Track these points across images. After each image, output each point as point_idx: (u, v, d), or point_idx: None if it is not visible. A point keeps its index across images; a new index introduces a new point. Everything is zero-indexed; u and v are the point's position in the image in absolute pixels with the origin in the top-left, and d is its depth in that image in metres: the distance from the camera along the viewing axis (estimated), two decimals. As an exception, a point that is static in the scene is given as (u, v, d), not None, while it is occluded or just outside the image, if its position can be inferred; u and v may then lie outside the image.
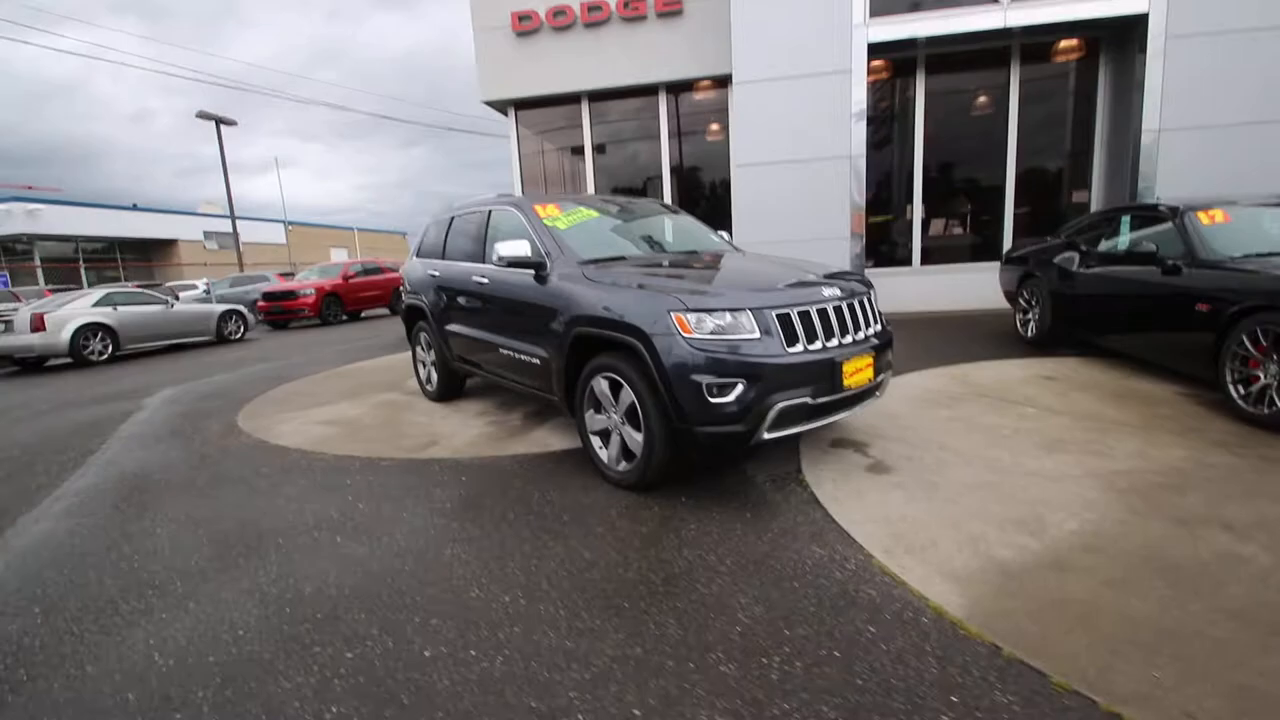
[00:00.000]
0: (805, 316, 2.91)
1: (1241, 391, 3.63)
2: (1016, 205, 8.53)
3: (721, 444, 2.85)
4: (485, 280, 4.18)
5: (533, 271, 3.70)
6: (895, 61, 8.36)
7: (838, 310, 3.05)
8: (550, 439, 4.07)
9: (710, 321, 2.79)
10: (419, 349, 5.42)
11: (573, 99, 9.39)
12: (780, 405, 2.79)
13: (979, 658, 1.79)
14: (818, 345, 2.91)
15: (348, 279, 15.25)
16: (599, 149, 9.57)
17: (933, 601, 2.07)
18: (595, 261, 3.59)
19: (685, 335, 2.78)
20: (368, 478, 3.57)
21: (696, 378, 2.75)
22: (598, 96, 9.31)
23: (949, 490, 2.92)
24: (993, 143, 8.48)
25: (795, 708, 1.63)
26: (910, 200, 8.73)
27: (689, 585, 2.25)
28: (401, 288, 5.74)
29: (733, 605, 2.11)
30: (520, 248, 3.65)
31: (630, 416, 3.08)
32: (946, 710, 1.60)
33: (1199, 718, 1.52)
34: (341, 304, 14.94)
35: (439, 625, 2.10)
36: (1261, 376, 3.52)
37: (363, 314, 16.06)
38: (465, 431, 4.36)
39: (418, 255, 5.49)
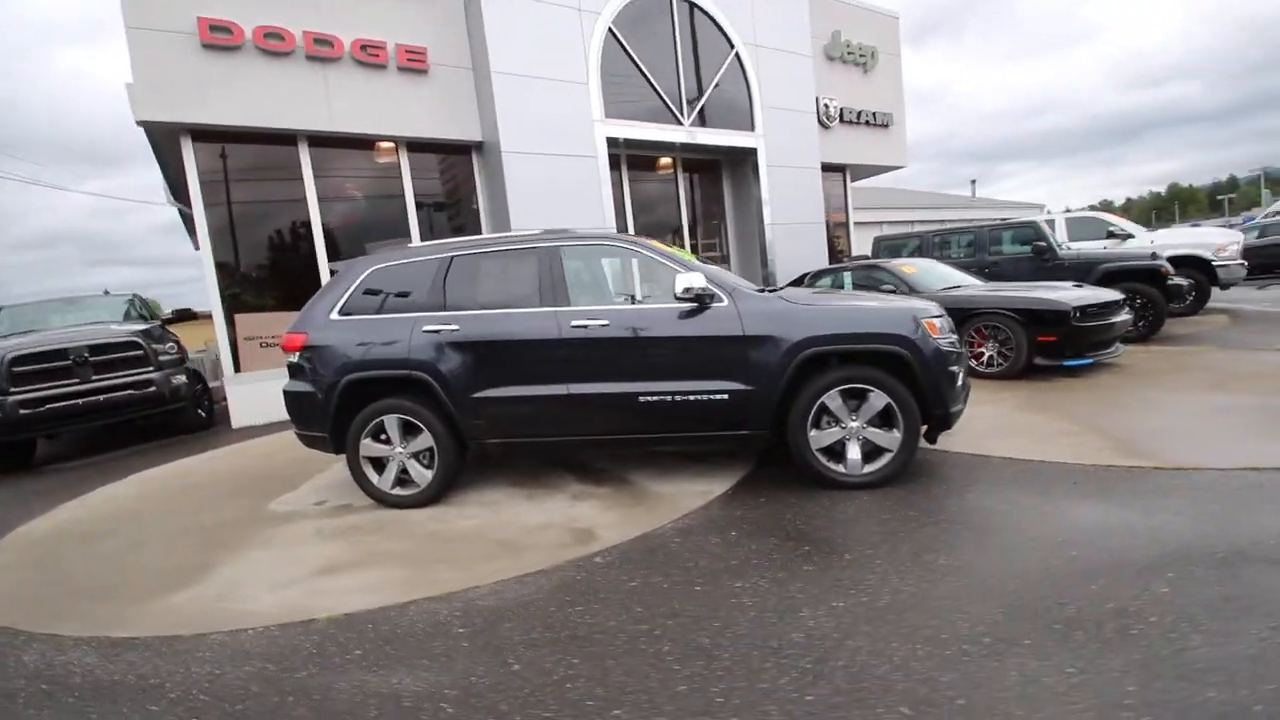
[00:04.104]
0: None
1: (976, 363, 6.37)
2: (691, 273, 11.19)
3: (955, 422, 3.59)
4: (600, 323, 3.60)
5: (693, 305, 3.55)
6: (614, 155, 9.94)
7: None
8: (695, 485, 3.78)
9: (939, 324, 3.55)
10: (369, 440, 3.83)
11: (285, 138, 7.53)
12: (969, 385, 3.76)
13: (1221, 475, 3.22)
14: None
15: None
16: (325, 202, 7.89)
17: (1146, 465, 3.43)
18: (762, 290, 3.75)
19: (935, 337, 3.46)
20: (653, 579, 2.72)
21: (951, 369, 3.47)
22: (321, 141, 7.75)
23: (1005, 434, 4.37)
24: (675, 221, 11.00)
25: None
26: (630, 268, 10.37)
27: (1102, 519, 3.01)
28: (303, 362, 3.90)
29: (1157, 506, 3.00)
30: (695, 280, 3.48)
31: (878, 419, 3.46)
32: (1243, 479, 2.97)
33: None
34: None
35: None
36: (986, 352, 6.30)
37: None
38: (589, 515, 3.50)
39: (341, 313, 3.93)
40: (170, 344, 6.86)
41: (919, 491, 3.39)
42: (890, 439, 3.46)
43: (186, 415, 6.99)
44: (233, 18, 6.85)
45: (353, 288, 3.95)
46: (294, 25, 7.19)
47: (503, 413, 3.72)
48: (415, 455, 3.84)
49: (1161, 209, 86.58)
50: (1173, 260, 7.99)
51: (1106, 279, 7.80)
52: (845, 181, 13.68)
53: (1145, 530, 2.68)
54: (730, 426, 3.59)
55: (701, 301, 3.54)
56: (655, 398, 3.57)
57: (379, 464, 3.89)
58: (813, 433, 3.50)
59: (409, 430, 3.82)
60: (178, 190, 8.94)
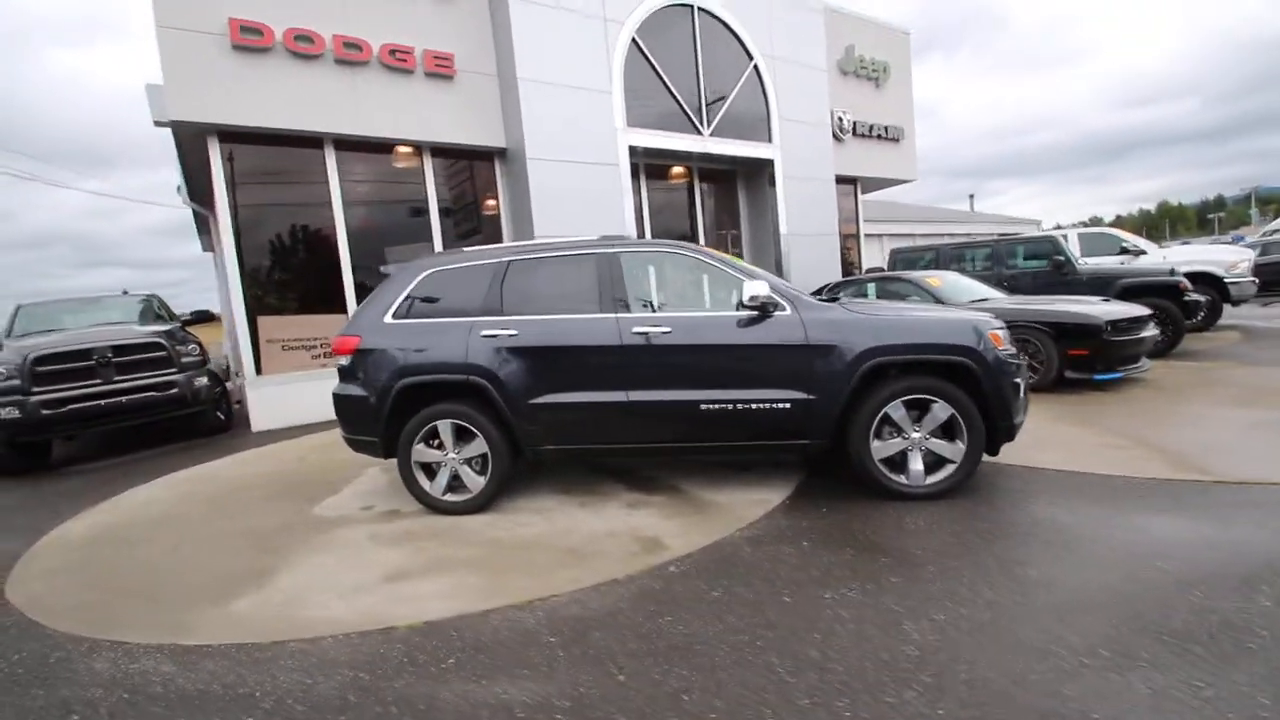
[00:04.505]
0: None
1: (1005, 375, 6.39)
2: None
3: (1018, 433, 3.58)
4: (662, 330, 3.58)
5: (755, 313, 3.54)
6: (632, 163, 9.96)
7: None
8: (751, 494, 3.75)
9: (1003, 335, 3.55)
10: (421, 445, 3.78)
11: (311, 141, 7.50)
12: (1029, 396, 3.76)
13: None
14: None
15: None
16: (349, 205, 7.84)
17: (1205, 479, 3.44)
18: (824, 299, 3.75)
19: (999, 348, 3.46)
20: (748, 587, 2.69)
21: (1016, 380, 3.47)
22: (346, 144, 7.72)
23: (1049, 447, 4.36)
24: (687, 230, 11.02)
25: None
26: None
27: (1177, 532, 3.01)
28: (356, 365, 3.87)
29: (1230, 519, 3.01)
30: (761, 288, 3.47)
31: (941, 431, 3.45)
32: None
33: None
34: None
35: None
36: (1015, 364, 6.33)
37: None
38: (650, 524, 3.46)
39: (395, 316, 3.89)
40: (193, 345, 6.77)
41: (982, 503, 3.38)
42: (954, 450, 3.45)
43: (207, 418, 6.90)
44: (264, 19, 6.82)
45: (407, 291, 3.92)
46: (324, 28, 7.18)
47: (561, 419, 3.69)
48: (468, 461, 3.80)
49: (1152, 226, 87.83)
50: (1187, 276, 8.08)
51: (1125, 294, 7.85)
52: (856, 193, 13.78)
53: (1226, 544, 2.68)
54: (791, 435, 3.57)
55: (765, 310, 3.54)
56: (718, 406, 3.55)
57: (429, 469, 3.84)
58: (875, 443, 3.48)
59: (462, 435, 3.78)
60: (197, 191, 8.88)
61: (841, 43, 12.38)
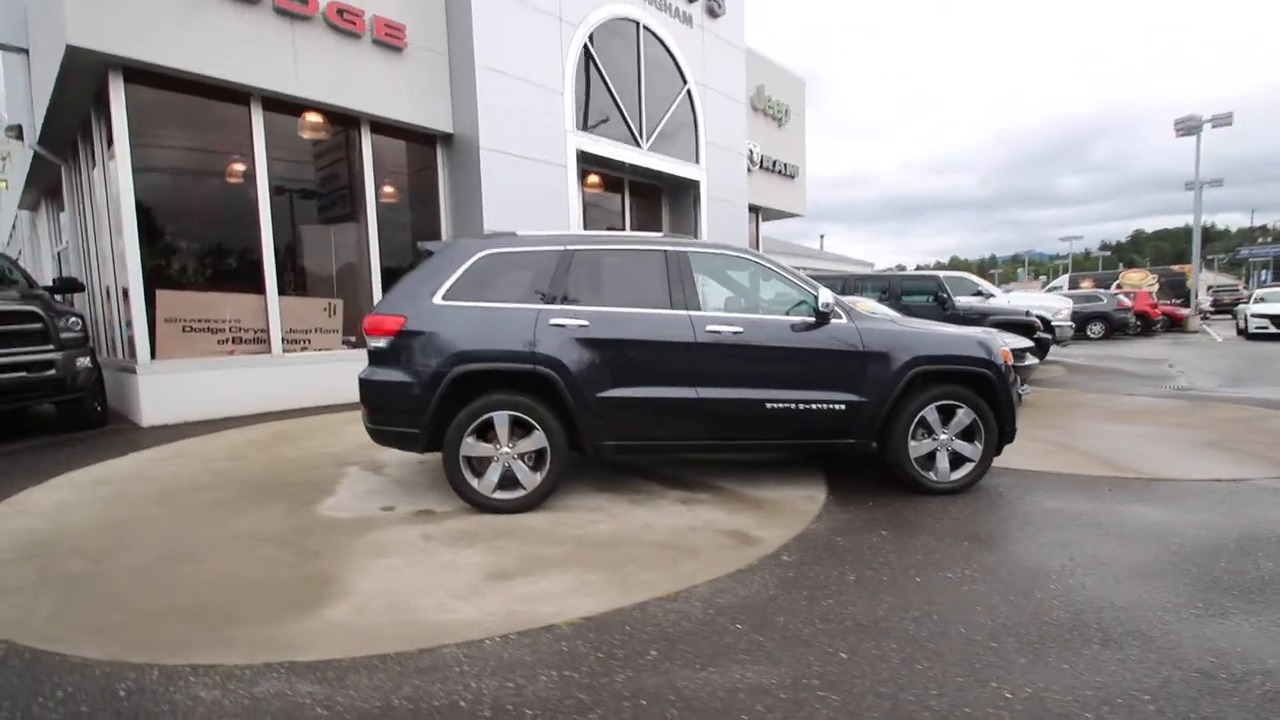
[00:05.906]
0: None
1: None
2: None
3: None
4: (733, 330, 3.68)
5: (815, 319, 3.80)
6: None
7: None
8: (795, 490, 3.96)
9: (1009, 351, 4.14)
10: (473, 439, 3.51)
11: (237, 96, 6.53)
12: (1013, 406, 4.41)
13: (1201, 485, 4.13)
14: None
15: None
16: (275, 174, 6.89)
17: (1140, 477, 4.27)
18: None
19: (1006, 363, 4.03)
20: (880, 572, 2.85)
21: (1016, 391, 4.06)
22: (277, 105, 6.82)
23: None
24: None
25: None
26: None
27: (1161, 517, 3.70)
28: (398, 348, 3.48)
29: (1185, 506, 3.74)
30: (829, 296, 3.74)
31: (962, 433, 3.93)
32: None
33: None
34: None
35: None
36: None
37: None
38: (722, 519, 3.54)
39: (445, 298, 3.59)
40: (74, 319, 5.54)
41: (998, 495, 3.89)
42: (973, 450, 3.94)
43: (84, 407, 5.66)
44: (197, -53, 5.89)
45: (460, 272, 3.62)
46: (266, -29, 6.35)
47: (629, 414, 3.63)
48: (521, 456, 3.59)
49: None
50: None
51: (993, 328, 9.34)
52: (758, 222, 14.82)
53: (1201, 524, 3.36)
54: (840, 435, 3.84)
55: (825, 317, 3.79)
56: (780, 405, 3.72)
57: (472, 465, 3.57)
58: (911, 443, 3.87)
59: (515, 429, 3.56)
60: (57, 133, 7.28)
61: (755, 81, 13.35)
